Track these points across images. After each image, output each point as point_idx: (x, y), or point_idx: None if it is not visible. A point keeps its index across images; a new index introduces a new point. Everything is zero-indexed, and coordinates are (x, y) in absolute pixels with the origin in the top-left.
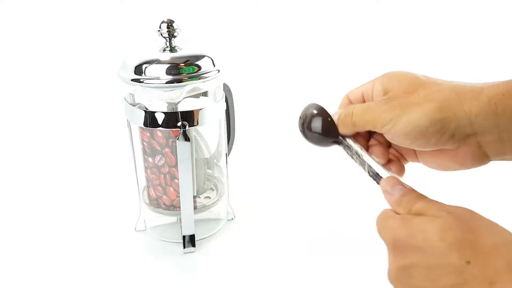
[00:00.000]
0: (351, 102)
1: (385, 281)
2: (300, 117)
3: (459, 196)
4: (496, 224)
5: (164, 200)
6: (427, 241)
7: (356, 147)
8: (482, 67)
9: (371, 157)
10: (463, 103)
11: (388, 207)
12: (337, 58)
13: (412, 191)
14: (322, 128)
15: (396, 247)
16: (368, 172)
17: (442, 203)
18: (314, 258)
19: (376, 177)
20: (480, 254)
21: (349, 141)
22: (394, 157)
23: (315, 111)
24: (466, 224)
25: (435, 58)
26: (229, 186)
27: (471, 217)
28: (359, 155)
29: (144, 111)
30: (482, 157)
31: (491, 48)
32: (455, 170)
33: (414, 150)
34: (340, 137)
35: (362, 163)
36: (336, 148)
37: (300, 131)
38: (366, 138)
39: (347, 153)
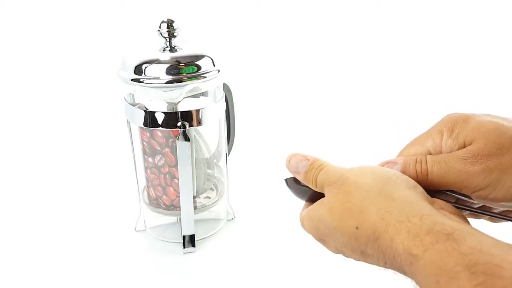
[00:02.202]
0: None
1: (385, 281)
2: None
3: None
4: (361, 175)
5: (164, 200)
6: (327, 227)
7: None
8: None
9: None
10: None
11: None
12: (337, 58)
13: (313, 163)
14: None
15: (317, 239)
16: None
17: (330, 170)
18: (314, 258)
19: None
20: (359, 214)
21: None
22: None
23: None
24: (343, 191)
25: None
26: (229, 186)
27: (344, 181)
28: None
29: (144, 111)
30: None
31: None
32: None
33: None
34: None
35: None
36: (334, 151)
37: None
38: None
39: None
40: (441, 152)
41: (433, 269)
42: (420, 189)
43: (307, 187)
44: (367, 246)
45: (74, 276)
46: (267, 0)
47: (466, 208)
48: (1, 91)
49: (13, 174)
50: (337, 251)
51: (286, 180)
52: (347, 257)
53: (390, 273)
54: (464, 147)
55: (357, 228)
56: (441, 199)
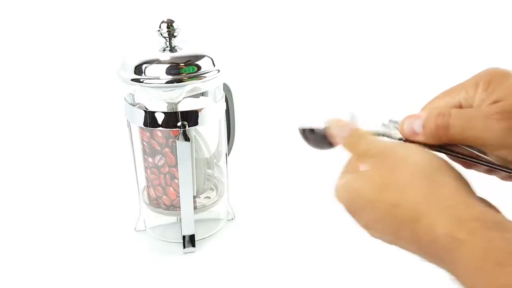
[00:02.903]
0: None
1: (385, 281)
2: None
3: None
4: (409, 153)
5: (164, 200)
6: (364, 200)
7: None
8: None
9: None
10: None
11: None
12: (337, 58)
13: (357, 130)
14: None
15: (349, 211)
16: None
17: (375, 141)
18: (313, 258)
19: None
20: (400, 192)
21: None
22: None
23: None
24: (387, 166)
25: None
26: (229, 186)
27: (390, 155)
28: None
29: (144, 111)
30: None
31: None
32: None
33: None
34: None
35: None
36: (335, 151)
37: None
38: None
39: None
40: (471, 106)
41: (478, 253)
42: (466, 180)
43: (324, 136)
44: (401, 227)
45: (74, 276)
46: (267, 0)
47: (481, 162)
48: (1, 91)
49: (13, 174)
50: (366, 227)
51: (302, 129)
52: (374, 236)
53: (390, 274)
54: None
55: (396, 206)
56: (453, 150)
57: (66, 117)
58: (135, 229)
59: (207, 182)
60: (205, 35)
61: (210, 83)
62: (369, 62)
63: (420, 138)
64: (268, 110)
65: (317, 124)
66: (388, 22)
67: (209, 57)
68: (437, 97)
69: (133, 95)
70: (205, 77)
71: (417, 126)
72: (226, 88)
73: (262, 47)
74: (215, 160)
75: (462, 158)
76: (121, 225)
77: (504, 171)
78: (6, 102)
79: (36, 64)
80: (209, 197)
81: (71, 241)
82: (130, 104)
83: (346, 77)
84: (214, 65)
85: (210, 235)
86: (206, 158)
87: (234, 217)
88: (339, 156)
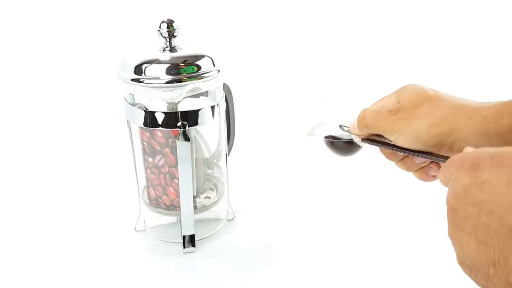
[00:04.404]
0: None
1: (385, 281)
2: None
3: None
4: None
5: (164, 200)
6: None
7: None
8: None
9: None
10: (459, 121)
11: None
12: (337, 58)
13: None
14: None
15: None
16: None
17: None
18: (313, 258)
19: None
20: None
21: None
22: None
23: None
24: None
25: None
26: (229, 186)
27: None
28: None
29: (144, 111)
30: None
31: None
32: None
33: None
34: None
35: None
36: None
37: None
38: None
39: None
40: None
41: None
42: None
43: (348, 144)
44: None
45: (74, 276)
46: (267, 0)
47: (391, 147)
48: (1, 91)
49: (13, 174)
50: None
51: (329, 141)
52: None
53: (390, 274)
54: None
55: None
56: (374, 139)
57: (66, 117)
58: (135, 229)
59: (207, 182)
60: (205, 35)
61: (210, 83)
62: (371, 63)
63: (358, 131)
64: (268, 110)
65: (339, 132)
66: (389, 23)
67: (209, 57)
68: (373, 104)
69: (133, 95)
70: (205, 77)
71: (354, 123)
72: (226, 88)
73: (263, 47)
74: (215, 160)
75: (390, 148)
76: (121, 225)
77: (418, 155)
78: (6, 102)
79: (36, 64)
80: (209, 197)
81: (71, 241)
82: (130, 104)
83: (348, 77)
84: (214, 65)
85: (210, 235)
86: (206, 158)
87: (234, 217)
88: (338, 156)
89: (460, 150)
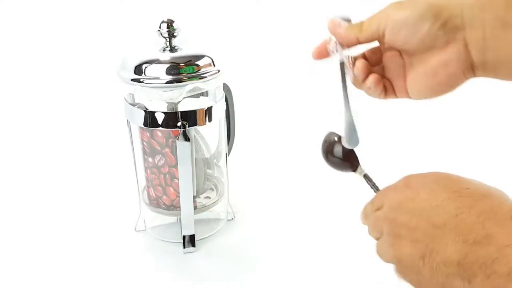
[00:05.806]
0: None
1: (384, 281)
2: (323, 142)
3: None
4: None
5: (164, 200)
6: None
7: (345, 58)
8: None
9: (353, 71)
10: None
11: None
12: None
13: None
14: (343, 154)
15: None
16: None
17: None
18: (313, 257)
19: (375, 187)
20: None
21: (344, 52)
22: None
23: (337, 139)
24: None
25: None
26: (229, 186)
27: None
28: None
29: (144, 111)
30: (465, 62)
31: None
32: (440, 87)
33: (404, 72)
34: (359, 167)
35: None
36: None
37: (322, 154)
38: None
39: (365, 178)
40: None
41: None
42: None
43: (344, 159)
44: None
45: (74, 276)
46: (267, 0)
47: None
48: (1, 91)
49: (13, 174)
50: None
51: (325, 154)
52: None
53: (390, 274)
54: None
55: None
56: (363, 174)
57: (66, 117)
58: (135, 229)
59: (207, 182)
60: (205, 35)
61: (210, 83)
62: None
63: (351, 35)
64: (268, 110)
65: (338, 149)
66: None
67: (209, 57)
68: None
69: (133, 95)
70: (205, 77)
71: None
72: (226, 88)
73: (263, 47)
74: (215, 160)
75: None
76: (121, 225)
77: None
78: (6, 102)
79: (37, 64)
80: (209, 197)
81: (71, 241)
82: (130, 104)
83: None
84: (214, 65)
85: (210, 235)
86: (206, 158)
87: (234, 217)
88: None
89: (453, 28)
